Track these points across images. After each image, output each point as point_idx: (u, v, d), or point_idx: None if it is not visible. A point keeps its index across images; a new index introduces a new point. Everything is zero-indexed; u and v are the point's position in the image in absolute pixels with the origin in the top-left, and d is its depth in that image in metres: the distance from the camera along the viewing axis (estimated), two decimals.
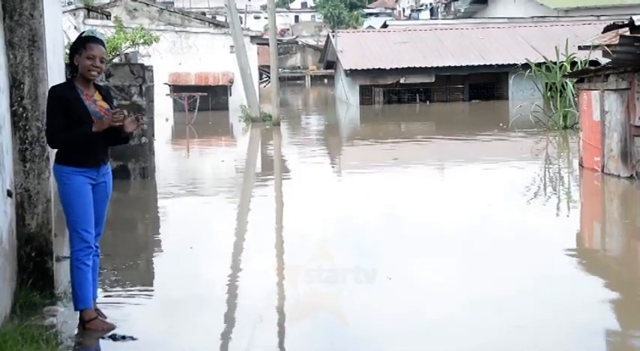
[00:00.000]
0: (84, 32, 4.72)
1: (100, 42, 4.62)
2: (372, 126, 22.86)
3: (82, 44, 4.54)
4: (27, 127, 4.98)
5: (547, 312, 5.01)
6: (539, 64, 19.44)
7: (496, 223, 8.10)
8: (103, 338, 4.53)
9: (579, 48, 17.61)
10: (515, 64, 24.39)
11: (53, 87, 4.64)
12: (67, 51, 11.06)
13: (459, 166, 12.83)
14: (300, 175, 12.59)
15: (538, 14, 36.70)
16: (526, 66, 20.19)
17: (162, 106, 22.48)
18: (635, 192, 9.74)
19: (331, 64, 36.62)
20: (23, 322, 4.48)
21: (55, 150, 4.63)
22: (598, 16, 32.71)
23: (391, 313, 5.03)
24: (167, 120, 23.33)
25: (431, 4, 73.63)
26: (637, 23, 10.70)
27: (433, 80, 29.82)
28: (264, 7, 55.38)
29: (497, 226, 7.96)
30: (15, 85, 4.96)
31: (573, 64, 18.31)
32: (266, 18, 40.84)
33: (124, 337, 4.51)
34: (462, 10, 50.42)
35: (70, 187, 4.53)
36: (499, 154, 14.80)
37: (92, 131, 4.47)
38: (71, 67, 4.63)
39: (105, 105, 4.66)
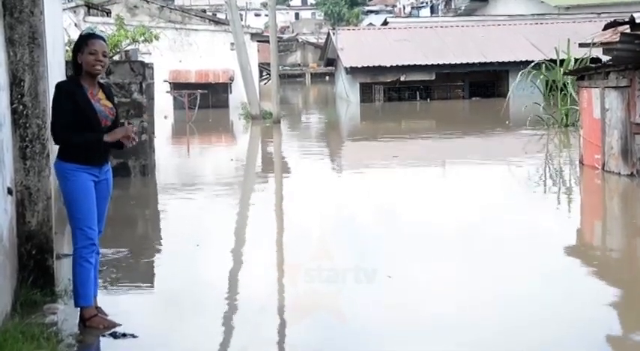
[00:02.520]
0: (84, 31, 4.75)
1: (101, 38, 4.66)
2: (372, 124, 22.85)
3: (83, 42, 4.59)
4: (27, 125, 4.98)
5: (547, 311, 5.01)
6: (540, 64, 19.42)
7: (496, 221, 8.09)
8: (103, 336, 4.53)
9: (580, 45, 17.58)
10: (515, 62, 24.34)
11: (60, 82, 4.65)
12: (68, 49, 11.10)
13: (459, 163, 12.82)
14: (300, 173, 12.59)
15: (538, 12, 36.69)
16: (529, 64, 20.15)
17: (163, 103, 22.46)
18: (636, 190, 9.73)
19: (331, 62, 36.63)
20: (24, 320, 4.47)
21: (57, 147, 4.63)
22: (598, 14, 32.70)
23: (391, 313, 5.02)
24: (165, 117, 23.28)
25: (431, 1, 73.53)
26: (637, 21, 10.66)
27: (433, 78, 29.81)
28: (264, 5, 55.39)
29: (498, 224, 7.95)
30: (15, 82, 4.95)
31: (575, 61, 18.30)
32: (266, 15, 40.81)
33: (124, 335, 4.51)
34: (463, 8, 50.35)
35: (75, 184, 4.53)
36: (499, 151, 14.81)
37: (104, 140, 4.54)
38: (75, 67, 4.64)
39: (109, 104, 4.69)
